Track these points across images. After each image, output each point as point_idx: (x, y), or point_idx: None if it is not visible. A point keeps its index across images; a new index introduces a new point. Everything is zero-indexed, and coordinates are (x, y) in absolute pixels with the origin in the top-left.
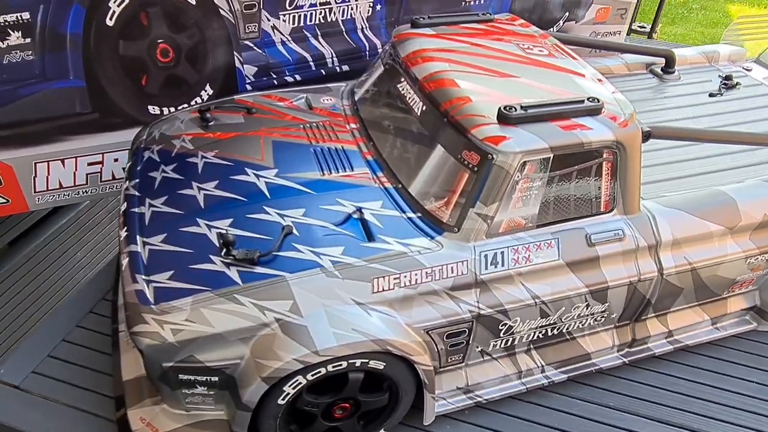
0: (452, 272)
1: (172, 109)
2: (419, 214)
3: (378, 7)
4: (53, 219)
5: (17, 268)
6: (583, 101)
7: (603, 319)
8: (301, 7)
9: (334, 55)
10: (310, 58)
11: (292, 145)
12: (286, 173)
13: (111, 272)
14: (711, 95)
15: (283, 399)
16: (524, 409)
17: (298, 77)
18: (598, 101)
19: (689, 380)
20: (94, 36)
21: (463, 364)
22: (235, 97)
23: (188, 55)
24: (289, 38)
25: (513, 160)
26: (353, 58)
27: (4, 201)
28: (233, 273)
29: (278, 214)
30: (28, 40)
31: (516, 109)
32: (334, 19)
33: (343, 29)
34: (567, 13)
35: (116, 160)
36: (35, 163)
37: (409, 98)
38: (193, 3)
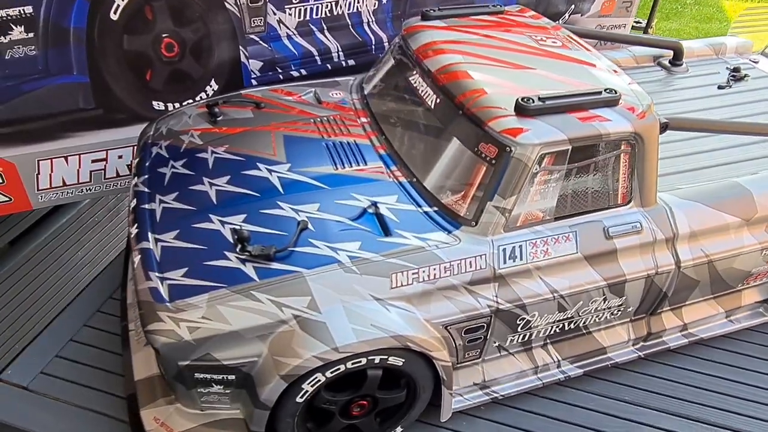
0: (470, 266)
1: (177, 105)
2: (435, 208)
3: (384, 0)
4: (54, 217)
5: (18, 267)
6: (600, 92)
7: (619, 312)
8: (307, 0)
9: (340, 49)
10: (316, 53)
11: (303, 139)
12: (298, 168)
13: (117, 270)
14: (720, 87)
15: (301, 397)
16: (540, 404)
17: (304, 72)
18: (616, 92)
19: (704, 373)
20: (98, 30)
21: (480, 359)
22: (242, 91)
23: (193, 49)
24: (295, 32)
25: (532, 152)
26: (359, 52)
27: (7, 199)
28: (249, 269)
29: (292, 209)
30: (31, 34)
31: (534, 101)
32: (340, 13)
33: (349, 23)
34: (572, 6)
35: (120, 157)
36: (38, 161)
37: (422, 91)
38: None
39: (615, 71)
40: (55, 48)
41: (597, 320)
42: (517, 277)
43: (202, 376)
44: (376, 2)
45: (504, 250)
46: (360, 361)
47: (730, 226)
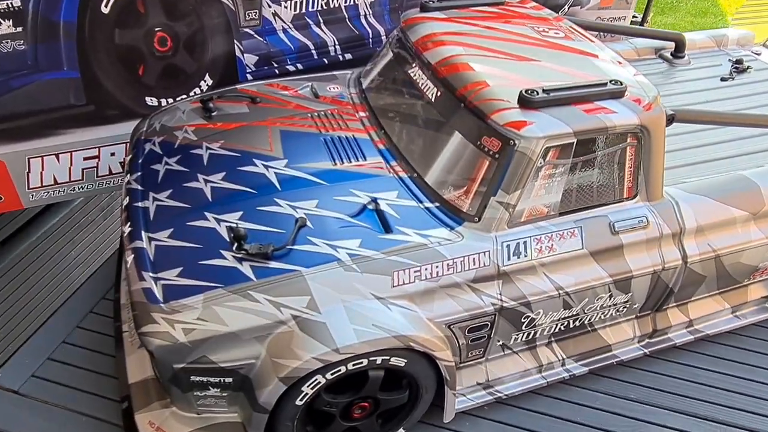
0: (474, 264)
1: (170, 101)
2: (437, 204)
3: None
4: (46, 216)
5: (10, 268)
6: (606, 84)
7: (625, 309)
8: None
9: (336, 42)
10: (312, 46)
11: (301, 134)
12: (296, 164)
13: (110, 270)
14: (723, 79)
15: (301, 399)
16: (545, 403)
17: (300, 66)
18: (621, 84)
19: (711, 370)
20: (88, 24)
21: (484, 359)
22: (237, 86)
23: (187, 43)
24: (291, 25)
25: (536, 145)
26: (356, 45)
27: None
28: (246, 268)
29: (290, 206)
30: (19, 29)
31: (538, 93)
32: (336, 6)
33: (346, 16)
34: None
35: (113, 154)
36: (28, 159)
37: (422, 84)
38: None
39: (620, 62)
40: (44, 43)
41: (602, 317)
42: (521, 274)
43: (198, 379)
44: None
45: (508, 246)
46: (361, 362)
47: (737, 220)
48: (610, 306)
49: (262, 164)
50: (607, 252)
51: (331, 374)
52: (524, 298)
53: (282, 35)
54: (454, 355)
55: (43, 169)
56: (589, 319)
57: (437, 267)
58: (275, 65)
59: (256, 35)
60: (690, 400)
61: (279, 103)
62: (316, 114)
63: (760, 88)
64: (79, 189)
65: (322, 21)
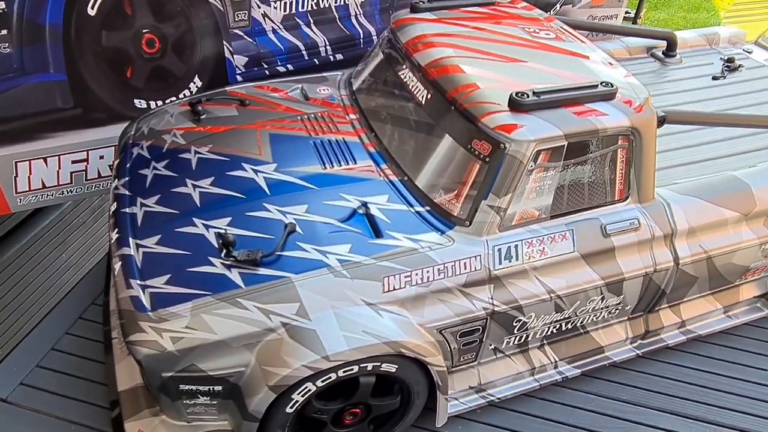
0: (465, 268)
1: (160, 103)
2: (428, 208)
3: None
4: (36, 220)
5: None
6: (596, 86)
7: (617, 311)
8: None
9: (327, 43)
10: (302, 47)
11: (290, 138)
12: (285, 168)
13: (100, 274)
14: (714, 78)
15: (291, 407)
16: (538, 406)
17: (290, 67)
18: (612, 86)
19: (703, 371)
20: (74, 27)
21: (476, 362)
22: (227, 88)
23: (175, 45)
24: (281, 26)
25: (527, 149)
26: (347, 46)
27: None
28: (235, 275)
29: (279, 211)
30: (4, 31)
31: (528, 95)
32: (326, 6)
33: (336, 16)
34: None
35: (102, 157)
36: (16, 163)
37: (412, 86)
38: None
39: (610, 63)
40: (30, 45)
41: (594, 319)
42: (513, 278)
43: (187, 387)
44: None
45: (499, 250)
46: (352, 369)
47: (728, 221)
48: (602, 308)
49: (251, 168)
50: (598, 255)
51: (322, 381)
52: (516, 302)
53: (272, 36)
54: (445, 359)
55: (31, 173)
56: (582, 322)
57: (428, 272)
58: (265, 66)
59: (245, 36)
60: (681, 400)
61: (268, 105)
62: (305, 117)
63: (751, 87)
64: (68, 192)
65: (312, 21)
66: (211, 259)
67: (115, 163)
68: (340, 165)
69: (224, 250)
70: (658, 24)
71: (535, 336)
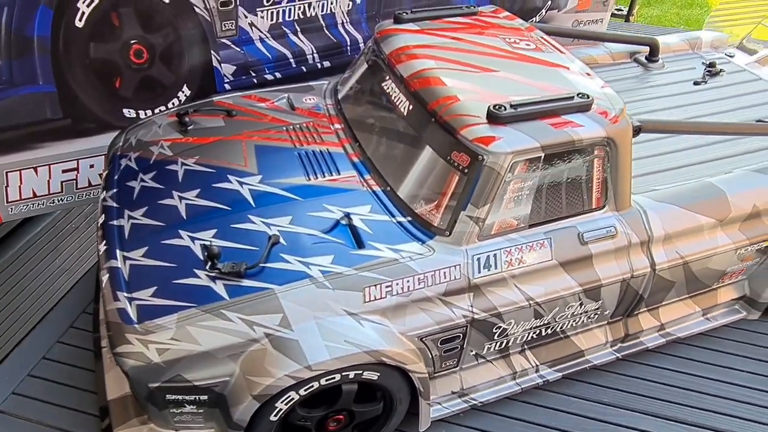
0: (445, 277)
1: (149, 112)
2: (409, 218)
3: (358, 0)
4: (27, 227)
5: None
6: (573, 98)
7: (596, 316)
8: (279, 2)
9: (314, 51)
10: (290, 55)
11: (275, 149)
12: (270, 179)
13: (91, 282)
14: (696, 83)
15: (275, 415)
16: (520, 409)
17: (278, 75)
18: (588, 97)
19: (683, 372)
20: (63, 39)
21: (458, 368)
22: (214, 98)
23: (163, 55)
24: (268, 35)
25: (504, 160)
26: (334, 53)
27: None
28: (219, 287)
29: (264, 222)
30: None
31: (506, 108)
32: (313, 14)
33: (323, 24)
34: (549, 2)
35: (92, 166)
36: (6, 173)
37: (395, 97)
38: (167, 1)
39: (588, 74)
40: (18, 58)
41: (574, 324)
42: (492, 287)
43: (173, 397)
44: (350, 2)
45: (478, 259)
46: (334, 378)
47: (704, 227)
48: (581, 314)
49: (237, 180)
50: (576, 262)
51: (304, 390)
52: (495, 310)
53: (259, 45)
54: (427, 366)
55: (21, 183)
56: (561, 327)
57: (408, 282)
58: (253, 74)
59: (233, 45)
60: (661, 402)
61: (255, 116)
62: (291, 127)
63: (732, 92)
64: (58, 201)
65: (299, 30)
66: (197, 271)
67: (104, 174)
68: (324, 176)
69: (209, 263)
70: (652, 20)
71: (515, 342)
